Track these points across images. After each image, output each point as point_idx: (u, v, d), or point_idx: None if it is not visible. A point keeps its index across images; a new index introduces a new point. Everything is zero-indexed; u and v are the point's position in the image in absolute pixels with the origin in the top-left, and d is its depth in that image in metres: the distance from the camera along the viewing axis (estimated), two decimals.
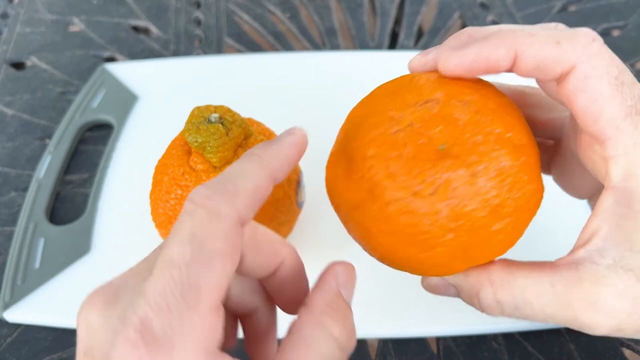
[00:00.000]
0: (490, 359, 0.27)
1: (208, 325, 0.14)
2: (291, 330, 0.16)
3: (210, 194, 0.15)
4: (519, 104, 0.20)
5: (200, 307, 0.14)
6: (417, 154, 0.17)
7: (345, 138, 0.20)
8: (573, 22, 0.47)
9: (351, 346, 0.17)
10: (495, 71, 0.18)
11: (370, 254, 0.21)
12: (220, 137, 0.24)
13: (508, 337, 0.28)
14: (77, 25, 0.47)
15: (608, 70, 0.17)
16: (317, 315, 0.16)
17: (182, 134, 0.25)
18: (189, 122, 0.24)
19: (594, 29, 0.47)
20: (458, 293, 0.21)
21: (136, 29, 0.47)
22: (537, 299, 0.18)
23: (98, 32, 0.46)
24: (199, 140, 0.23)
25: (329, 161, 0.21)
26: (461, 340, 0.28)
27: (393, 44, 0.46)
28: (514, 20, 0.47)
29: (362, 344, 0.28)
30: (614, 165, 0.17)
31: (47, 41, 0.46)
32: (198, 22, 0.48)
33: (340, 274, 0.18)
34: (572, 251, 0.19)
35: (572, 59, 0.17)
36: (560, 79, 0.17)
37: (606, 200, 0.18)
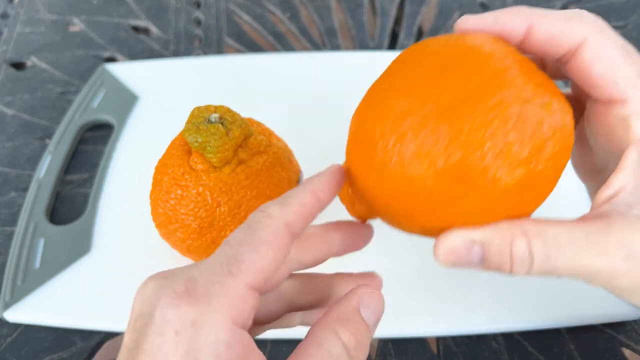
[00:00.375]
0: (490, 358, 0.27)
1: (242, 297, 0.16)
2: (306, 335, 0.18)
3: (267, 204, 0.18)
4: None
5: (239, 278, 0.16)
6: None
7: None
8: None
9: (360, 358, 0.18)
10: (509, 38, 0.19)
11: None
12: (220, 137, 0.24)
13: (508, 337, 0.28)
14: (77, 25, 0.47)
15: (616, 40, 0.19)
16: (330, 322, 0.18)
17: (182, 134, 0.25)
18: (189, 122, 0.24)
19: None
20: (481, 255, 0.18)
21: (136, 29, 0.47)
22: (572, 248, 0.18)
23: (98, 32, 0.46)
24: (199, 140, 0.23)
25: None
26: (461, 340, 0.28)
27: (393, 44, 0.46)
28: None
29: None
30: (636, 121, 0.18)
31: (47, 41, 0.46)
32: (198, 22, 0.48)
33: (364, 295, 0.19)
34: (595, 208, 0.19)
35: (583, 32, 0.19)
36: (568, 55, 0.19)
37: (631, 155, 0.18)
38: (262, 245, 0.17)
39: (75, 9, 0.49)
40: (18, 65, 0.44)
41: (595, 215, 0.18)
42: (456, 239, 0.18)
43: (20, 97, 0.41)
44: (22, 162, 0.37)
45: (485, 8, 0.49)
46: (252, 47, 0.45)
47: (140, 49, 0.45)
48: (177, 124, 0.38)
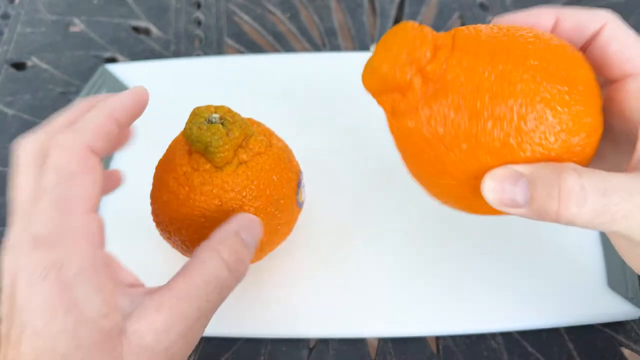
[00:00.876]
0: (490, 358, 0.27)
1: (86, 225, 0.18)
2: (191, 256, 0.21)
3: (57, 135, 0.19)
4: None
5: (74, 213, 0.18)
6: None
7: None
8: None
9: (240, 271, 0.21)
10: (540, 27, 0.22)
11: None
12: (221, 137, 0.24)
13: (507, 336, 0.28)
14: (78, 25, 0.47)
15: (629, 29, 0.22)
16: (212, 244, 0.21)
17: (182, 134, 0.25)
18: (189, 122, 0.24)
19: None
20: (527, 191, 0.18)
21: (136, 29, 0.48)
22: (625, 185, 0.17)
23: (98, 33, 0.47)
24: (200, 140, 0.23)
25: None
26: (460, 340, 0.28)
27: None
28: None
29: (362, 343, 0.28)
30: None
31: (48, 41, 0.46)
32: (198, 23, 0.48)
33: (241, 220, 0.22)
34: (634, 170, 0.19)
35: (604, 19, 0.21)
36: (590, 40, 0.21)
37: None
38: (76, 177, 0.19)
39: (76, 10, 0.49)
40: (19, 66, 0.44)
41: (634, 168, 0.19)
42: (503, 170, 0.18)
43: (20, 97, 0.41)
44: None
45: (484, 8, 0.49)
46: (252, 47, 0.45)
47: (141, 49, 0.45)
48: (177, 124, 0.38)
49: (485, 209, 0.20)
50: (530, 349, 0.28)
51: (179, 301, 0.19)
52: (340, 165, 0.35)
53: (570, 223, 0.18)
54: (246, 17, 0.48)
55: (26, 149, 0.20)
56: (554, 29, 0.21)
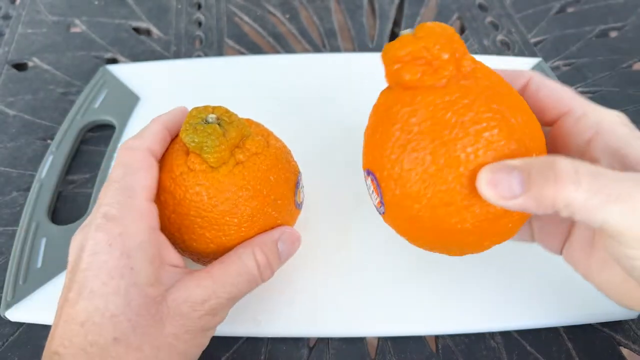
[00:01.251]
0: (489, 357, 0.27)
1: (147, 209, 0.23)
2: (233, 250, 0.25)
3: (126, 141, 0.24)
4: None
5: (137, 198, 0.22)
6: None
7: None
8: (571, 23, 0.47)
9: (266, 274, 0.25)
10: None
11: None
12: (217, 137, 0.24)
13: (506, 335, 0.28)
14: (79, 26, 0.48)
15: (552, 79, 0.24)
16: (251, 244, 0.25)
17: (179, 134, 0.25)
18: (186, 122, 0.24)
19: (592, 30, 0.48)
20: (522, 177, 0.18)
21: (137, 30, 0.48)
22: (614, 174, 0.18)
23: (99, 33, 0.47)
24: (196, 140, 0.23)
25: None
26: (460, 339, 0.28)
27: None
28: (512, 22, 0.48)
29: (361, 342, 0.28)
30: (586, 120, 0.22)
31: (49, 42, 0.46)
32: (199, 24, 0.48)
33: (285, 232, 0.26)
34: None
35: (527, 74, 0.24)
36: (522, 90, 0.24)
37: (598, 145, 0.21)
38: (138, 171, 0.23)
39: (77, 10, 0.49)
40: (20, 66, 0.44)
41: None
42: (494, 165, 0.19)
43: (22, 97, 0.41)
44: (24, 162, 0.37)
45: (483, 9, 0.49)
46: (253, 48, 0.46)
47: (142, 50, 0.45)
48: None
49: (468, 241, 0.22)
50: (529, 348, 0.28)
51: (215, 283, 0.23)
52: (340, 166, 0.35)
53: (567, 207, 0.18)
54: (246, 18, 0.49)
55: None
56: None
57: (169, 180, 0.25)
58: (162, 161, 0.26)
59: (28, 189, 0.35)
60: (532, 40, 0.46)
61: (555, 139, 0.23)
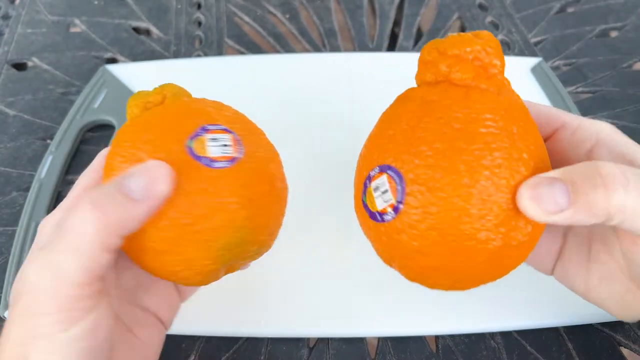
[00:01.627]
0: (489, 357, 0.27)
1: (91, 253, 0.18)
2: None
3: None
4: None
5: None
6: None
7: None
8: (571, 23, 0.47)
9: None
10: None
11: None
12: (136, 97, 0.23)
13: (506, 335, 0.28)
14: (78, 26, 0.48)
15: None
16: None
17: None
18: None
19: (592, 30, 0.48)
20: (566, 188, 0.17)
21: (137, 30, 0.48)
22: None
23: (99, 33, 0.47)
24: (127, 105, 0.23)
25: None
26: (460, 339, 0.28)
27: (392, 45, 0.46)
28: (512, 21, 0.48)
29: (361, 342, 0.28)
30: (583, 131, 0.22)
31: (49, 42, 0.46)
32: (199, 23, 0.48)
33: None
34: None
35: (563, 118, 0.23)
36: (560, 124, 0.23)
37: (601, 152, 0.21)
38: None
39: (77, 10, 0.49)
40: (19, 66, 0.44)
41: None
42: (533, 180, 0.18)
43: (21, 97, 0.41)
44: (23, 162, 0.37)
45: (483, 9, 0.49)
46: (253, 48, 0.46)
47: (141, 49, 0.45)
48: None
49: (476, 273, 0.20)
50: (529, 348, 0.28)
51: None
52: (340, 166, 0.35)
53: (619, 212, 0.17)
54: (246, 18, 0.49)
55: None
56: None
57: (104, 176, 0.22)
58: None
59: (28, 189, 0.35)
60: (533, 40, 0.46)
61: (551, 154, 0.23)
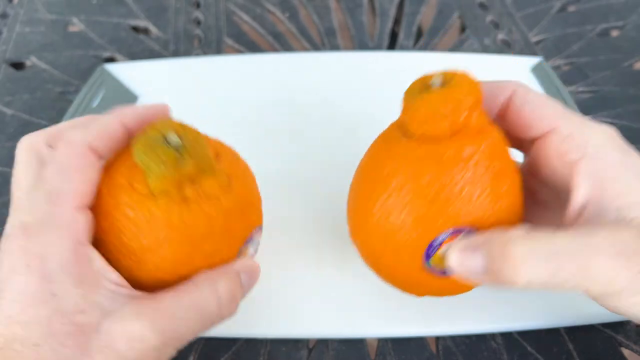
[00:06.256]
0: (490, 358, 0.27)
1: (72, 220, 0.19)
2: (192, 279, 0.21)
3: (64, 129, 0.21)
4: None
5: (63, 206, 0.19)
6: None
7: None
8: (572, 21, 0.47)
9: (230, 310, 0.21)
10: None
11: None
12: (167, 166, 0.19)
13: (507, 336, 0.28)
14: (77, 25, 0.47)
15: (537, 91, 0.22)
16: (212, 274, 0.21)
17: (132, 142, 0.20)
18: (144, 132, 0.20)
19: (593, 29, 0.48)
20: (485, 261, 0.19)
21: (136, 29, 0.47)
22: (570, 246, 0.18)
23: (98, 32, 0.46)
24: (143, 159, 0.19)
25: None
26: (460, 340, 0.28)
27: (392, 44, 0.46)
28: (513, 21, 0.47)
29: (361, 343, 0.28)
30: (570, 142, 0.21)
31: (47, 41, 0.46)
32: (198, 22, 0.48)
33: (245, 266, 0.22)
34: (575, 221, 0.20)
35: (511, 87, 0.22)
36: (505, 104, 0.23)
37: (580, 172, 0.20)
38: (70, 171, 0.19)
39: (75, 9, 0.49)
40: (17, 65, 0.44)
41: (577, 227, 0.20)
42: (461, 242, 0.20)
43: (19, 96, 0.41)
44: None
45: (484, 8, 0.49)
46: (252, 47, 0.45)
47: (140, 49, 0.45)
48: None
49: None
50: (530, 349, 0.27)
51: (161, 316, 0.19)
52: (340, 165, 0.35)
53: (527, 288, 0.19)
54: (245, 17, 0.48)
55: (32, 141, 0.21)
56: None
57: (105, 185, 0.21)
58: (116, 158, 0.22)
59: None
60: (533, 40, 0.46)
61: (538, 158, 0.22)
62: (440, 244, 0.21)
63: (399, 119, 0.23)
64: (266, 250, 0.31)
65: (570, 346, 0.28)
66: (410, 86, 0.22)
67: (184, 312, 0.19)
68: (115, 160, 0.22)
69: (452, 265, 0.20)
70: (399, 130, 0.22)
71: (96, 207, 0.21)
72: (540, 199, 0.25)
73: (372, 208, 0.21)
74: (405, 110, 0.21)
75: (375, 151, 0.23)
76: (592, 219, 0.20)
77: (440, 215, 0.20)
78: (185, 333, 0.20)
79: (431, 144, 0.20)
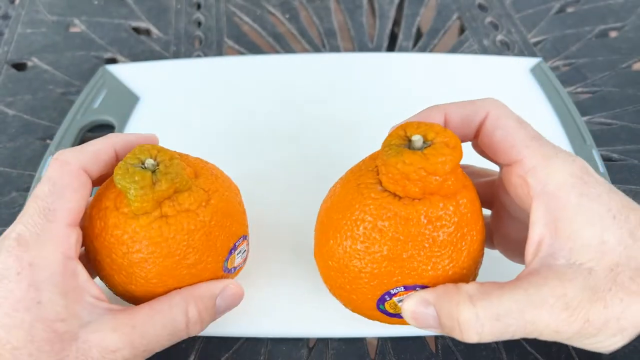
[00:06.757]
0: (489, 357, 0.27)
1: (64, 235, 0.21)
2: (170, 293, 0.23)
3: (62, 151, 0.22)
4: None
5: (57, 222, 0.21)
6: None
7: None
8: (571, 23, 0.47)
9: (195, 330, 0.23)
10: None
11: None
12: (143, 186, 0.21)
13: None
14: (78, 26, 0.48)
15: (511, 114, 0.22)
16: (188, 294, 0.23)
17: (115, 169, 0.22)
18: (125, 159, 0.22)
19: (592, 30, 0.48)
20: (436, 318, 0.21)
21: (137, 30, 0.48)
22: (515, 306, 0.19)
23: (99, 33, 0.47)
24: (122, 183, 0.21)
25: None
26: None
27: (392, 45, 0.46)
28: (512, 22, 0.48)
29: (361, 342, 0.28)
30: (532, 177, 0.21)
31: (48, 42, 0.46)
32: (198, 24, 0.48)
33: (226, 289, 0.24)
34: (527, 266, 0.21)
35: (486, 108, 0.22)
36: (479, 127, 0.23)
37: (537, 209, 0.21)
38: (65, 190, 0.21)
39: (76, 10, 0.49)
40: (19, 66, 0.44)
41: (529, 273, 0.21)
42: (414, 298, 0.21)
43: (21, 97, 0.41)
44: (23, 163, 0.37)
45: (483, 9, 0.49)
46: (252, 48, 0.46)
47: (141, 50, 0.45)
48: (177, 125, 0.38)
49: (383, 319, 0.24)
50: (529, 348, 0.28)
51: (134, 331, 0.21)
52: (340, 166, 0.35)
53: (478, 340, 0.20)
54: (246, 18, 0.49)
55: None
56: (445, 125, 0.23)
57: (95, 209, 0.23)
58: (104, 184, 0.24)
59: (27, 189, 0.35)
60: (532, 40, 0.46)
61: (506, 182, 0.23)
62: (394, 295, 0.22)
63: (376, 160, 0.23)
64: (267, 250, 0.31)
65: (570, 345, 0.28)
66: (391, 135, 0.22)
67: (156, 329, 0.21)
68: (104, 187, 0.24)
69: (405, 317, 0.22)
70: (374, 175, 0.22)
71: (88, 230, 0.23)
72: (512, 213, 0.25)
73: (338, 247, 0.22)
74: (381, 162, 0.21)
75: (349, 188, 0.23)
76: (546, 258, 0.20)
77: (398, 273, 0.21)
78: (155, 347, 0.22)
79: (401, 201, 0.21)
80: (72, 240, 0.21)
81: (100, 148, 0.23)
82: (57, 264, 0.20)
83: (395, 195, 0.21)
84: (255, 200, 0.33)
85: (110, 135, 0.24)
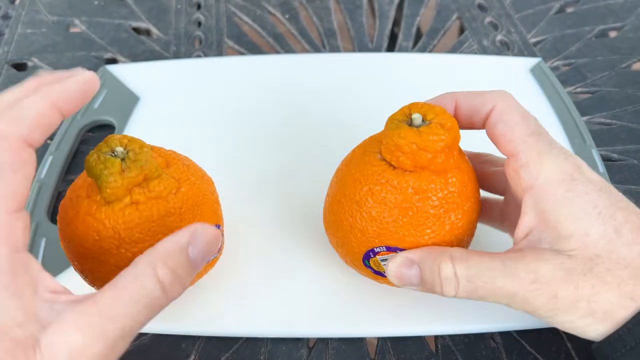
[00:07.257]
0: (489, 357, 0.27)
1: (8, 226, 0.17)
2: (130, 264, 0.19)
3: None
4: (476, 161, 0.27)
5: None
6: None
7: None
8: (571, 23, 0.47)
9: (176, 292, 0.19)
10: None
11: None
12: (112, 173, 0.22)
13: (506, 335, 0.28)
14: (78, 26, 0.48)
15: (517, 108, 0.23)
16: (152, 257, 0.19)
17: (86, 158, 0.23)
18: (96, 148, 0.23)
19: (592, 30, 0.48)
20: (419, 274, 0.23)
21: (137, 30, 0.48)
22: (489, 272, 0.22)
23: (99, 33, 0.47)
24: (93, 171, 0.22)
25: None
26: (459, 339, 0.28)
27: (392, 46, 0.46)
28: (512, 22, 0.48)
29: (361, 342, 0.28)
30: (525, 171, 0.22)
31: (48, 42, 0.46)
32: (198, 24, 0.48)
33: (195, 232, 0.20)
34: (515, 244, 0.23)
35: (493, 99, 0.23)
36: (486, 117, 0.24)
37: (528, 201, 0.23)
38: (5, 172, 0.17)
39: (76, 10, 0.49)
40: (19, 66, 0.44)
41: (512, 250, 0.23)
42: (399, 258, 0.23)
43: None
44: None
45: (482, 9, 0.49)
46: (252, 48, 0.46)
47: (141, 50, 0.45)
48: (177, 125, 0.38)
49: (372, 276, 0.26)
50: (529, 348, 0.28)
51: (102, 319, 0.17)
52: (339, 163, 0.35)
53: (454, 297, 0.23)
54: (246, 18, 0.49)
55: None
56: (455, 111, 0.25)
57: (67, 199, 0.23)
58: (81, 175, 0.24)
59: None
60: (532, 40, 0.46)
61: (500, 178, 0.26)
62: (378, 253, 0.24)
63: (381, 133, 0.25)
64: (267, 250, 0.31)
65: (569, 345, 0.28)
66: (397, 112, 0.23)
67: (127, 308, 0.18)
68: (79, 177, 0.24)
69: (389, 276, 0.24)
70: (378, 145, 0.24)
71: (63, 219, 0.23)
72: (516, 201, 0.26)
73: (337, 203, 0.25)
74: (383, 133, 0.23)
75: (359, 153, 0.25)
76: (532, 242, 0.22)
77: (383, 234, 0.23)
78: (134, 326, 0.18)
79: (395, 171, 0.23)
80: (17, 229, 0.18)
81: (41, 111, 0.19)
82: (4, 261, 0.17)
83: (390, 165, 0.23)
84: (254, 199, 0.33)
85: (43, 88, 0.19)
